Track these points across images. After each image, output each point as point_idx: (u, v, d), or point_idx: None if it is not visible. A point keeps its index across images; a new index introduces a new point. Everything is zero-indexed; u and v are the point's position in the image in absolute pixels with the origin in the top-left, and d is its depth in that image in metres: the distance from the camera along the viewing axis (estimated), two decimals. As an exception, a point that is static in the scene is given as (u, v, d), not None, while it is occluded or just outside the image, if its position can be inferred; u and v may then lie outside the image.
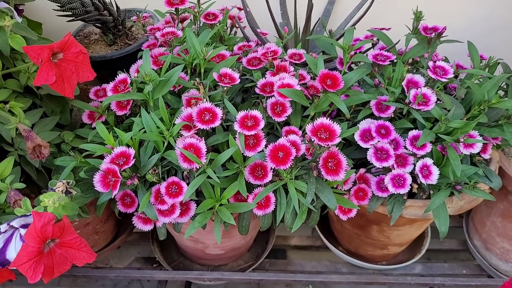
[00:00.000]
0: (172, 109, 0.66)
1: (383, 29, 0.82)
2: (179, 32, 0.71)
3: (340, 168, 0.56)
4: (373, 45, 0.82)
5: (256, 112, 0.59)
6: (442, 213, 0.69)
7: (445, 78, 0.66)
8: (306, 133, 0.56)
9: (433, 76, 0.66)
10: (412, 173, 0.67)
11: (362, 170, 0.70)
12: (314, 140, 0.53)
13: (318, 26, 0.94)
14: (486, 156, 0.75)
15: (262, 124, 0.58)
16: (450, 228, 1.17)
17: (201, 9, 0.79)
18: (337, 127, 0.55)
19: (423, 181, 0.65)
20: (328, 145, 0.53)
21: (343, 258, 1.06)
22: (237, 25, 0.85)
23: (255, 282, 1.08)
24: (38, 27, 0.85)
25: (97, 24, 0.85)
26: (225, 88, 0.61)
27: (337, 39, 0.86)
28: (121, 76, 0.62)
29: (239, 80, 0.62)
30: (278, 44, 0.76)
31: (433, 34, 0.70)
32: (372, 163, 0.66)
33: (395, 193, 0.65)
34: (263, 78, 0.69)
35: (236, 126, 0.58)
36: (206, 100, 0.60)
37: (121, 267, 1.08)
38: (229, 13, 0.86)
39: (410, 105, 0.66)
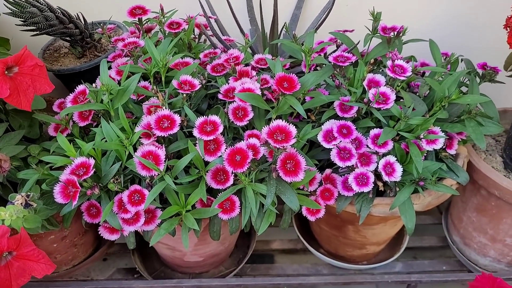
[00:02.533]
0: (136, 118, 0.67)
1: (346, 31, 0.84)
2: (141, 42, 0.72)
3: (299, 169, 0.57)
4: (338, 47, 0.83)
5: (215, 118, 0.59)
6: (408, 210, 0.69)
7: (404, 76, 0.67)
8: (262, 132, 0.56)
9: (391, 75, 0.67)
10: (376, 171, 0.68)
11: (328, 171, 0.70)
12: (270, 143, 0.54)
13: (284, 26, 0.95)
14: (452, 151, 0.76)
15: (220, 128, 0.58)
16: (430, 225, 1.19)
17: (165, 17, 0.80)
18: (292, 129, 0.55)
19: (386, 178, 0.65)
20: (283, 146, 0.53)
21: (324, 260, 1.06)
22: (204, 33, 0.86)
23: (236, 288, 1.08)
24: (6, 43, 0.86)
25: (64, 38, 0.85)
26: (185, 95, 0.62)
27: (302, 43, 0.87)
28: (80, 87, 0.63)
29: (199, 86, 0.63)
30: (242, 50, 0.76)
31: (392, 33, 0.71)
32: (336, 163, 0.67)
33: (359, 191, 0.65)
34: (226, 84, 0.70)
35: (195, 132, 0.58)
36: (166, 108, 0.60)
37: (102, 278, 1.08)
38: (198, 21, 0.87)
39: (370, 104, 0.67)
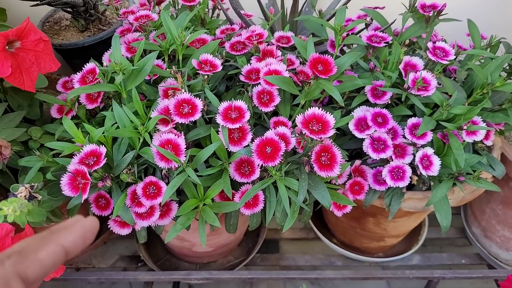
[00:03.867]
0: (148, 101, 0.60)
1: (377, 7, 0.76)
2: (154, 15, 0.64)
3: (334, 162, 0.51)
4: (367, 26, 0.76)
5: (240, 103, 0.53)
6: (443, 206, 0.64)
7: (446, 60, 0.60)
8: (296, 125, 0.50)
9: (433, 58, 0.60)
10: (411, 164, 0.62)
11: (357, 162, 0.65)
12: (305, 133, 0.48)
13: (307, 6, 0.88)
14: (489, 142, 0.70)
15: (247, 116, 0.52)
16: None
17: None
18: (330, 118, 0.49)
19: (423, 172, 0.60)
20: (321, 138, 0.47)
21: (337, 251, 1.02)
22: (219, 7, 0.79)
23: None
24: (2, 13, 0.78)
25: (66, 9, 0.77)
26: (206, 76, 0.55)
27: (328, 20, 0.80)
28: (89, 65, 0.56)
29: (221, 67, 0.56)
30: (263, 27, 0.69)
31: (432, 12, 0.64)
32: (368, 155, 0.61)
33: (394, 186, 0.60)
34: (248, 64, 0.63)
35: (219, 119, 0.52)
36: (185, 91, 0.54)
37: (105, 266, 1.03)
38: (211, -7, 0.79)
39: (408, 91, 0.61)
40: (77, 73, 0.59)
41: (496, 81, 0.63)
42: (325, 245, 1.05)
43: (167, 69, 0.59)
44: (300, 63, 0.67)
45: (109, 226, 0.58)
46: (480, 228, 1.01)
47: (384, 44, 0.63)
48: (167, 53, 0.61)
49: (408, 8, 0.68)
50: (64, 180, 0.50)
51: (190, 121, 0.51)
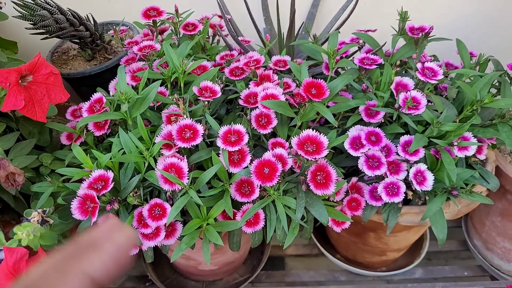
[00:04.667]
0: (153, 126, 0.64)
1: (368, 31, 0.80)
2: (157, 45, 0.68)
3: (329, 181, 0.53)
4: (360, 48, 0.80)
5: (239, 127, 0.56)
6: (439, 220, 0.66)
7: (435, 79, 0.63)
8: (292, 143, 0.53)
9: (422, 78, 0.63)
10: (406, 180, 0.65)
11: (354, 179, 0.67)
12: (300, 154, 0.51)
13: (303, 30, 0.92)
14: (482, 156, 0.72)
15: (246, 139, 0.55)
16: (449, 229, 1.14)
17: (180, 19, 0.76)
18: (324, 139, 0.52)
19: (417, 187, 0.62)
20: (315, 158, 0.50)
21: (341, 266, 1.04)
22: (218, 34, 0.83)
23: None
24: (13, 46, 0.83)
25: (74, 40, 0.82)
26: (206, 102, 0.58)
27: (322, 44, 0.84)
28: (96, 95, 0.59)
29: (220, 93, 0.60)
30: (261, 52, 0.73)
31: (420, 34, 0.68)
32: (363, 172, 0.63)
33: (390, 202, 0.62)
34: (247, 89, 0.66)
35: (219, 142, 0.55)
36: (187, 116, 0.57)
37: (113, 287, 1.05)
38: (211, 21, 0.83)
39: (400, 110, 0.64)
40: (85, 102, 0.62)
41: (485, 97, 0.66)
42: (329, 261, 1.06)
43: (170, 96, 0.63)
44: (296, 85, 0.71)
45: (117, 247, 0.60)
46: (481, 240, 1.02)
47: (376, 66, 0.67)
48: (170, 80, 0.64)
49: (397, 31, 0.71)
50: (74, 204, 0.53)
51: (192, 145, 0.54)
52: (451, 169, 0.62)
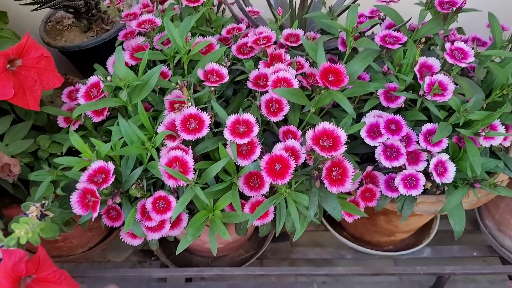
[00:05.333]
0: (155, 111, 0.59)
1: (391, 1, 0.73)
2: (158, 21, 0.62)
3: (345, 177, 0.50)
4: (381, 21, 0.73)
5: (248, 116, 0.52)
6: (457, 212, 0.63)
7: (465, 62, 0.57)
8: (306, 137, 0.49)
9: (451, 61, 0.57)
10: (425, 170, 0.61)
11: (369, 168, 0.63)
12: (315, 150, 0.46)
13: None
14: (507, 143, 0.68)
15: (256, 130, 0.51)
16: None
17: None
18: (342, 133, 0.48)
19: (437, 180, 0.58)
20: (332, 155, 0.46)
21: (348, 245, 1.02)
22: (224, 2, 0.76)
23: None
24: (3, 16, 0.76)
25: (69, 10, 0.75)
26: (212, 88, 0.53)
27: (338, 15, 0.76)
28: (92, 79, 0.54)
29: (227, 77, 0.55)
30: (271, 27, 0.67)
31: (451, 9, 0.61)
32: (380, 162, 0.59)
33: (407, 194, 0.59)
34: (256, 70, 0.61)
35: (227, 133, 0.51)
36: (192, 104, 0.52)
37: (119, 260, 1.05)
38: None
39: (424, 96, 0.58)
40: (82, 82, 0.57)
41: (516, 82, 0.60)
42: (336, 238, 1.05)
43: (173, 78, 0.57)
44: (310, 65, 0.65)
45: (120, 237, 0.58)
46: (493, 221, 1.00)
47: (399, 46, 0.61)
48: (172, 60, 0.59)
49: (425, 3, 0.64)
50: (74, 198, 0.50)
51: (197, 137, 0.50)
52: (476, 161, 0.57)
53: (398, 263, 1.04)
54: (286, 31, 0.70)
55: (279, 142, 0.56)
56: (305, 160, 0.54)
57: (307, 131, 0.48)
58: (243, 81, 0.67)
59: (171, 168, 0.49)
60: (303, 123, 0.60)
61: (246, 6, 0.84)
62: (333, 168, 0.49)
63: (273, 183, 0.47)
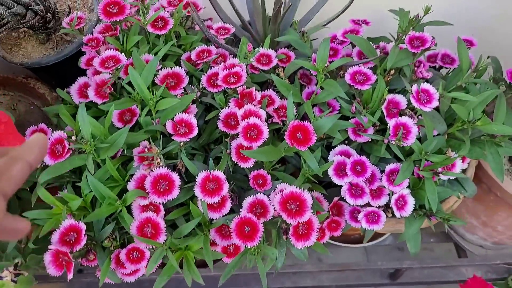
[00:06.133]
0: (124, 156, 0.58)
1: (364, 22, 0.71)
2: (122, 57, 0.59)
3: (311, 230, 0.52)
4: (353, 44, 0.71)
5: (218, 173, 0.52)
6: (415, 237, 0.68)
7: (429, 107, 0.59)
8: (274, 202, 0.50)
9: (416, 105, 0.59)
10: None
11: (335, 199, 0.66)
12: (282, 216, 0.48)
13: (290, 8, 0.81)
14: (465, 165, 0.72)
15: (226, 187, 0.52)
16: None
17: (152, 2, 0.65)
18: (308, 197, 0.50)
19: (397, 214, 0.62)
20: (298, 222, 0.48)
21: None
22: (194, 22, 0.72)
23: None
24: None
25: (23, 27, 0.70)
26: (182, 143, 0.53)
27: (305, 34, 0.74)
28: (55, 135, 0.52)
29: (197, 130, 0.54)
30: (240, 59, 0.65)
31: (420, 49, 0.61)
32: (345, 199, 0.62)
33: (369, 229, 0.63)
34: (226, 108, 0.60)
35: (197, 191, 0.51)
36: (161, 160, 0.52)
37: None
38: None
39: (390, 141, 0.60)
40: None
41: (477, 119, 0.62)
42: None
43: (140, 135, 0.56)
44: (280, 98, 0.65)
45: (97, 276, 0.60)
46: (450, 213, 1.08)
47: (368, 86, 0.61)
48: (140, 103, 0.57)
49: (395, 39, 0.63)
50: (47, 258, 0.51)
51: (168, 199, 0.50)
52: (433, 198, 0.61)
53: (367, 250, 1.13)
54: (258, 51, 0.68)
55: (249, 188, 0.58)
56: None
57: (274, 195, 0.49)
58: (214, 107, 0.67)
59: (143, 229, 0.50)
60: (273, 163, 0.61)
61: (218, 13, 0.80)
62: (300, 224, 0.52)
63: (242, 245, 0.50)
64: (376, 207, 0.63)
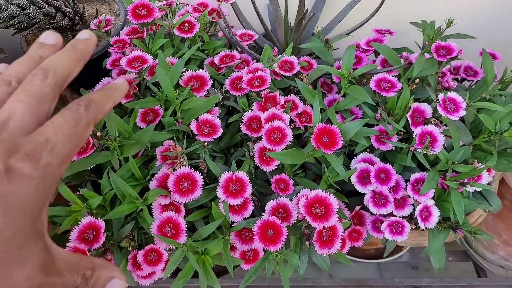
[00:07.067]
0: (145, 155, 0.58)
1: (387, 32, 0.71)
2: (148, 58, 0.59)
3: (335, 237, 0.51)
4: (376, 52, 0.71)
5: (242, 175, 0.51)
6: (438, 251, 0.66)
7: (456, 115, 0.58)
8: (299, 205, 0.49)
9: (443, 113, 0.58)
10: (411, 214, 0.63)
11: (357, 208, 0.65)
12: (308, 220, 0.47)
13: (312, 17, 0.82)
14: (490, 179, 0.70)
15: (249, 189, 0.51)
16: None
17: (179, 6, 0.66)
18: (333, 201, 0.48)
19: (421, 225, 0.60)
20: (323, 226, 0.47)
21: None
22: (219, 28, 0.73)
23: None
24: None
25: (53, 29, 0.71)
26: (206, 143, 0.53)
27: (329, 42, 0.74)
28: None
29: (221, 131, 0.54)
30: (264, 64, 0.65)
31: (447, 58, 0.60)
32: (369, 207, 0.61)
33: (392, 240, 0.61)
34: (249, 111, 0.60)
35: (220, 193, 0.51)
36: (184, 159, 0.52)
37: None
38: (211, 6, 0.73)
39: (416, 149, 0.59)
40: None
41: (504, 130, 0.61)
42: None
43: (165, 136, 0.56)
44: (303, 103, 0.64)
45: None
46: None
47: (393, 94, 0.60)
48: (164, 102, 0.57)
49: (421, 48, 0.63)
50: (66, 255, 0.50)
51: (190, 199, 0.50)
52: (459, 210, 0.59)
53: (380, 266, 1.09)
54: (281, 57, 0.68)
55: (270, 192, 0.57)
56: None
57: (297, 200, 0.48)
58: (235, 112, 0.66)
59: (163, 229, 0.49)
60: (296, 168, 0.61)
61: (240, 21, 0.81)
62: (324, 230, 0.51)
63: (265, 249, 0.48)
64: (399, 217, 0.61)
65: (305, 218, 0.47)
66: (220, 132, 0.53)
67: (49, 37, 0.32)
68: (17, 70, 0.29)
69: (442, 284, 0.90)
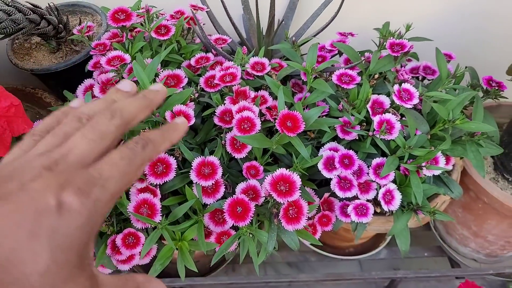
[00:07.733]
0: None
1: (350, 34, 0.77)
2: (126, 57, 0.64)
3: (301, 214, 0.55)
4: (340, 53, 0.77)
5: (213, 159, 0.56)
6: (403, 233, 0.70)
7: (410, 104, 0.63)
8: (265, 182, 0.53)
9: (398, 102, 0.63)
10: (375, 197, 0.67)
11: (326, 195, 0.69)
12: (273, 195, 0.51)
13: (285, 24, 0.88)
14: (449, 167, 0.75)
15: (220, 171, 0.55)
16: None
17: (151, 17, 0.71)
18: (297, 178, 0.53)
19: (385, 207, 0.65)
20: (287, 201, 0.51)
21: (311, 248, 1.10)
22: (196, 34, 0.78)
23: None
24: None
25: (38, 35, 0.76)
26: (179, 131, 0.57)
27: (300, 45, 0.80)
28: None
29: (194, 120, 0.58)
30: (236, 61, 0.70)
31: (400, 53, 0.66)
32: (335, 192, 0.65)
33: (358, 221, 0.65)
34: (222, 105, 0.65)
35: (193, 175, 0.55)
36: (159, 146, 0.56)
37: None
38: (187, 13, 0.78)
39: (374, 135, 0.64)
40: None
41: (456, 118, 0.67)
42: (301, 243, 1.12)
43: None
44: (273, 98, 0.69)
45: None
46: (442, 224, 1.09)
47: (354, 86, 0.66)
48: (141, 98, 0.62)
49: (377, 45, 0.69)
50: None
51: (164, 181, 0.53)
52: (418, 191, 0.64)
53: (362, 266, 1.13)
54: (252, 60, 0.73)
55: (243, 180, 0.61)
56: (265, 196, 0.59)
57: (266, 178, 0.53)
58: (210, 105, 0.71)
59: (140, 209, 0.53)
60: (268, 154, 0.65)
61: (215, 27, 0.86)
62: (290, 208, 0.55)
63: (234, 224, 0.52)
64: (364, 200, 0.65)
65: (270, 194, 0.51)
66: (192, 121, 0.58)
67: (125, 85, 0.34)
68: (90, 109, 0.30)
69: (417, 275, 0.94)
